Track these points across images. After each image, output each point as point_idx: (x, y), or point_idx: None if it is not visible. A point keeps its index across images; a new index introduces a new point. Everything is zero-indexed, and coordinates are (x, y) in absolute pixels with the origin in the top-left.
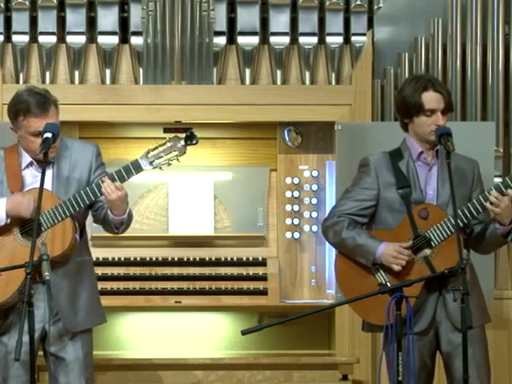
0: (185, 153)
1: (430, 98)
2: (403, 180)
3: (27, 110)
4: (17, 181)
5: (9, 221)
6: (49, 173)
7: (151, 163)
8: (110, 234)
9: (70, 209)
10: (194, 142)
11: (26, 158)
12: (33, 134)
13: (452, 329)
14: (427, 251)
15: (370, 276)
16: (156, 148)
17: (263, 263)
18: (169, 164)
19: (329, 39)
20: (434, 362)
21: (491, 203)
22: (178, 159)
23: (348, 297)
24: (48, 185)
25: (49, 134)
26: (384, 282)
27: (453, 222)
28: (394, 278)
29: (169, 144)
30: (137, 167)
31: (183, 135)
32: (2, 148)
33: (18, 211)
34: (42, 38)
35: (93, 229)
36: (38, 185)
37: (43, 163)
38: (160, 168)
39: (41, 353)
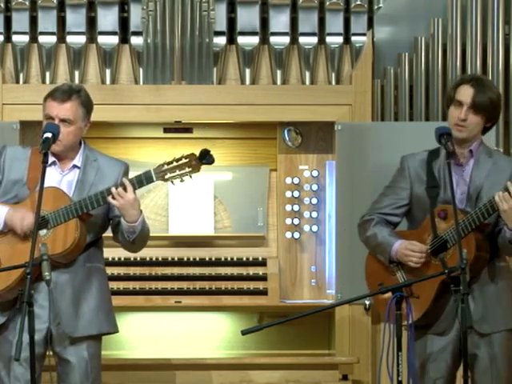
0: (199, 170)
1: (461, 91)
2: (432, 180)
3: (50, 94)
4: (35, 178)
5: (6, 229)
6: (72, 176)
7: (164, 176)
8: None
9: (78, 210)
10: (210, 161)
11: (51, 157)
12: (45, 117)
13: (474, 331)
14: (445, 253)
15: (396, 274)
16: (171, 162)
17: (263, 263)
18: (181, 180)
19: (329, 39)
20: (457, 364)
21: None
22: (190, 176)
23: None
24: (70, 188)
25: (49, 134)
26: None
27: (467, 222)
28: (412, 278)
29: (184, 160)
30: (148, 178)
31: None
32: (31, 147)
33: (14, 225)
34: (41, 38)
35: None
36: (52, 185)
37: (43, 163)
38: (172, 182)
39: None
